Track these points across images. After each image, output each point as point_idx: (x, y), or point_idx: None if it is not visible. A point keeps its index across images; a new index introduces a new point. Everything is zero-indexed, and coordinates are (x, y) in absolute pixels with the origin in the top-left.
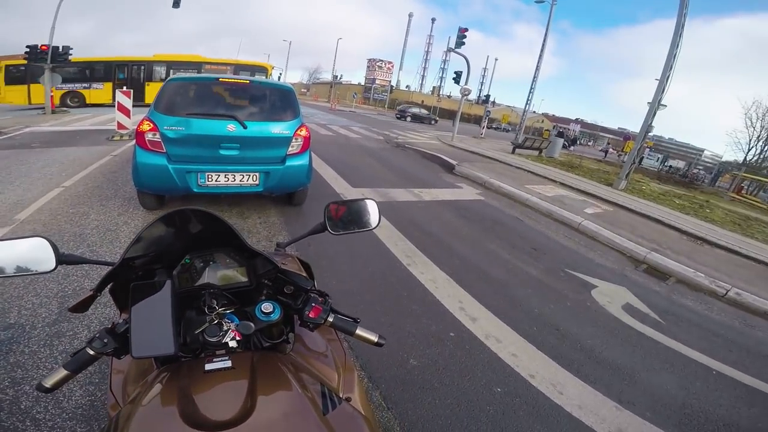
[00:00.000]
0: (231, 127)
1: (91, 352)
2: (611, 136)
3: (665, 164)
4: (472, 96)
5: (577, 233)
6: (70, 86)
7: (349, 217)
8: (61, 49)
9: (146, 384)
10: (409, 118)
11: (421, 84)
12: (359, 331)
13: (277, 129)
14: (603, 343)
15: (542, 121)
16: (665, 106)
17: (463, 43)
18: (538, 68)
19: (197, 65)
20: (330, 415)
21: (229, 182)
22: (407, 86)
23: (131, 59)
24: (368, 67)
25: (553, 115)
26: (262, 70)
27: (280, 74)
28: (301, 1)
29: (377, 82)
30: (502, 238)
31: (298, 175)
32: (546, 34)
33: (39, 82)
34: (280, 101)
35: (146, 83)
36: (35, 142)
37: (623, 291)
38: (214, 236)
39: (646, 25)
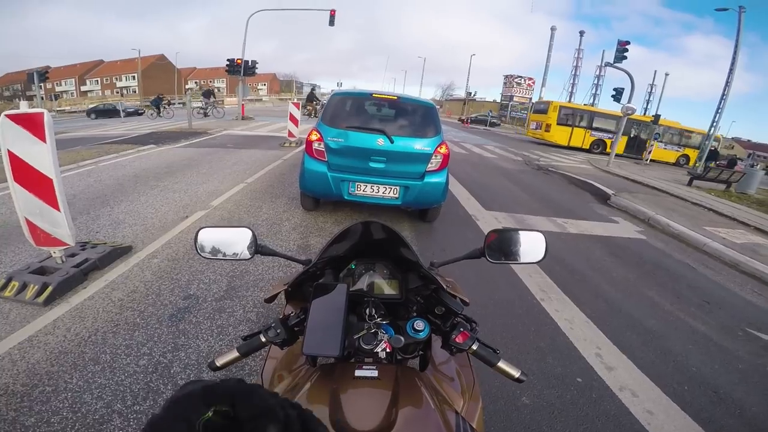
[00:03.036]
0: (380, 141)
1: (263, 339)
2: None
3: None
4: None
5: None
6: (600, 135)
7: (512, 247)
8: (250, 63)
9: (300, 379)
10: None
11: (569, 101)
12: (501, 364)
13: (419, 145)
14: None
15: (732, 147)
16: None
17: (625, 57)
18: (728, 84)
19: (689, 132)
20: None
21: (374, 193)
22: None
23: (645, 119)
24: (505, 83)
25: (748, 141)
26: None
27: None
28: (437, 21)
29: (515, 99)
30: (665, 286)
31: (434, 192)
32: (736, 47)
33: (580, 127)
34: (424, 118)
35: (648, 141)
36: (229, 143)
37: None
38: (378, 247)
39: None
